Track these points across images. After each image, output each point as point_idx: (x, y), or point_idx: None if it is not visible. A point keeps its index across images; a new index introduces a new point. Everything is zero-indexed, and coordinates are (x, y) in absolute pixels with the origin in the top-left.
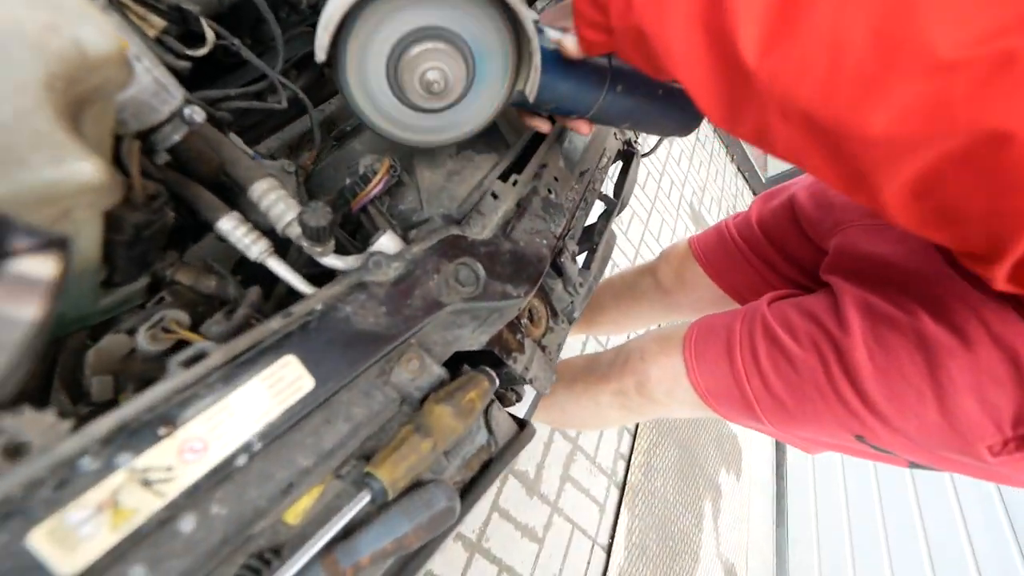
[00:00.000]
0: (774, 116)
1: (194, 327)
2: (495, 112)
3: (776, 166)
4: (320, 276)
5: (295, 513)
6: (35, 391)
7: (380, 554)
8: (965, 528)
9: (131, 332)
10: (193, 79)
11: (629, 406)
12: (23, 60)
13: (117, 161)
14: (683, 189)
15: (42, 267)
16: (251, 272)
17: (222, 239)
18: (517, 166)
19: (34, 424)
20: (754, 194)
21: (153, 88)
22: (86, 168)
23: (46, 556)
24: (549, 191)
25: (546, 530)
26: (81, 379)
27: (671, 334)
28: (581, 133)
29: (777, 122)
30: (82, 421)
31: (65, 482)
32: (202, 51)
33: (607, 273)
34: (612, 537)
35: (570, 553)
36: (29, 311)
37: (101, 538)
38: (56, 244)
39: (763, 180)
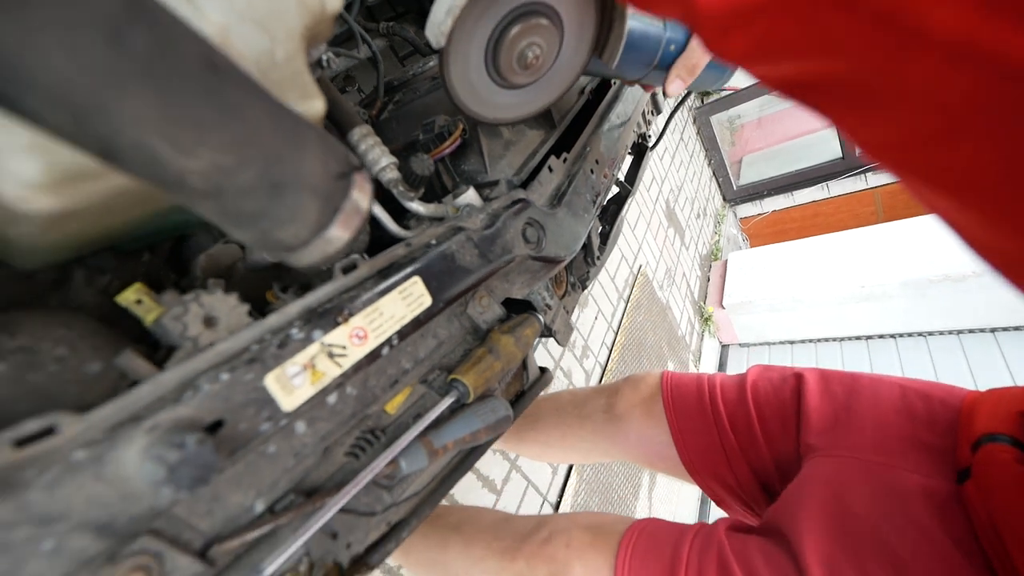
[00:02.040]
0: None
1: None
2: (573, 83)
3: (749, 175)
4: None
5: (393, 405)
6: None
7: (459, 443)
8: None
9: (241, 244)
10: None
11: None
12: (291, 12)
13: None
14: (662, 185)
15: (364, 199)
16: None
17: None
18: (563, 143)
19: (223, 303)
20: (724, 199)
21: None
22: (319, 105)
23: (275, 394)
24: (591, 170)
25: (504, 483)
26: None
27: (609, 527)
28: (670, 94)
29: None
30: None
31: (284, 344)
32: None
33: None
34: (560, 496)
35: (523, 506)
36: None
37: (304, 389)
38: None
39: (734, 187)
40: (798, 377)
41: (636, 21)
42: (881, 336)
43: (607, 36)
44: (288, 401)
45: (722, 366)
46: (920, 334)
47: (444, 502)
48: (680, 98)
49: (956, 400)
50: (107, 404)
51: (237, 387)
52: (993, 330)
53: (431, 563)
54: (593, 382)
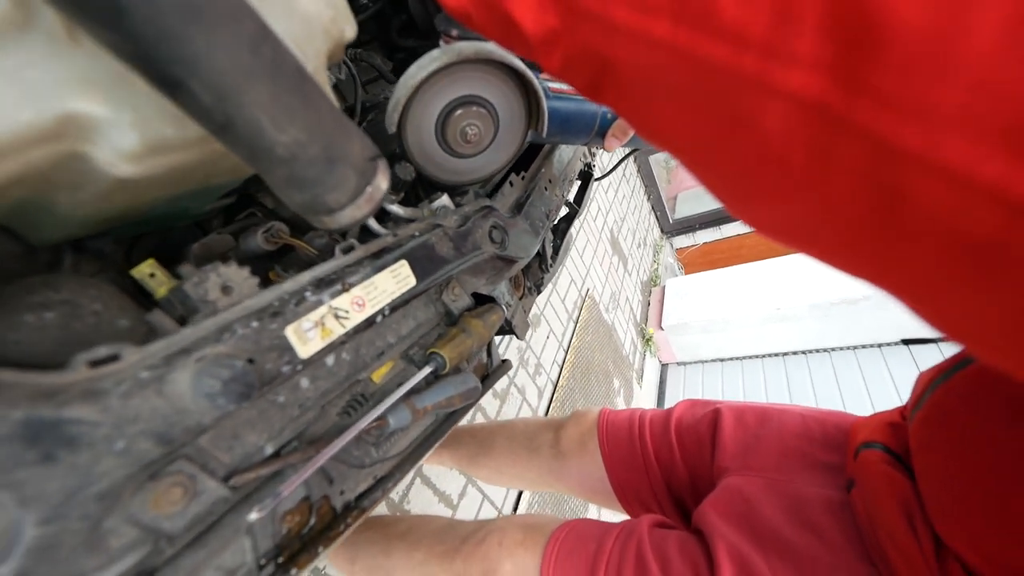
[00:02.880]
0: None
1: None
2: (516, 153)
3: (683, 210)
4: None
5: (378, 375)
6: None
7: (436, 406)
8: None
9: (234, 235)
10: None
11: None
12: (319, 37)
13: None
14: (607, 216)
15: (384, 178)
16: None
17: None
18: (522, 163)
19: (236, 274)
20: (663, 231)
21: None
22: None
23: (293, 343)
24: (545, 188)
25: (460, 498)
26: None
27: (541, 526)
28: (608, 150)
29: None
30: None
31: (300, 303)
32: None
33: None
34: (515, 508)
35: (479, 519)
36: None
37: (316, 342)
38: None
39: (671, 220)
40: (716, 412)
41: (573, 103)
42: (795, 353)
43: (538, 117)
44: (303, 350)
45: (662, 383)
46: (826, 350)
47: (397, 513)
48: (626, 152)
49: (847, 424)
50: (159, 340)
51: (264, 334)
52: (880, 345)
53: (375, 569)
54: (545, 398)
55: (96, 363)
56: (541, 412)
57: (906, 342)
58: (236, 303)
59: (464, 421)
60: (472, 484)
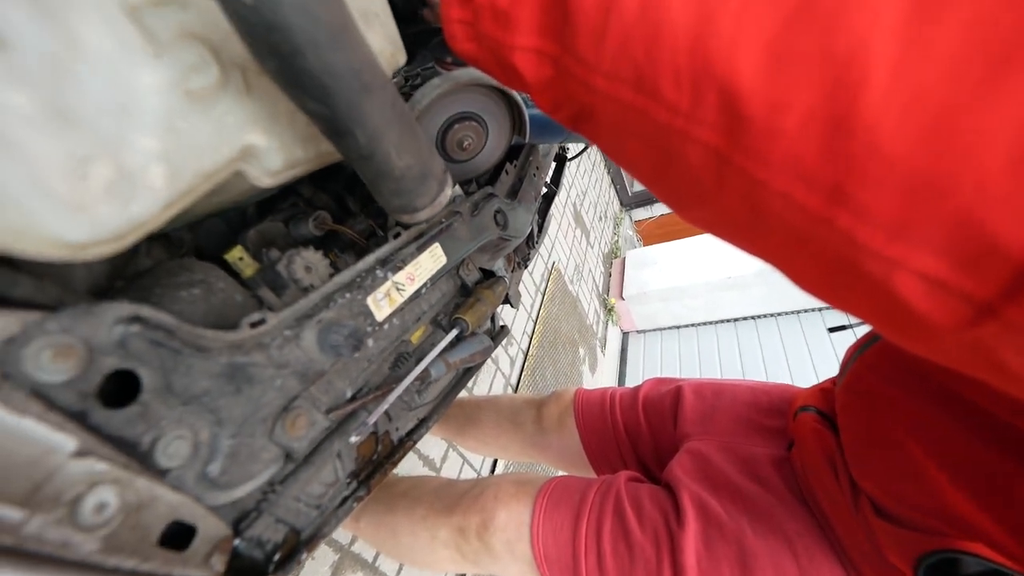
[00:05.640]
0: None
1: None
2: (501, 156)
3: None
4: None
5: (415, 337)
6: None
7: (463, 361)
8: None
9: (284, 222)
10: None
11: (463, 551)
12: (385, 69)
13: None
14: (569, 191)
15: (450, 190)
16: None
17: None
18: (512, 154)
19: (314, 256)
20: (622, 204)
21: None
22: None
23: (372, 310)
24: (533, 174)
25: (443, 462)
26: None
27: (530, 480)
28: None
29: None
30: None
31: (372, 280)
32: None
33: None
34: (492, 472)
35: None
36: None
37: (386, 309)
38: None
39: (629, 193)
40: (678, 388)
41: None
42: (744, 319)
43: (520, 125)
44: (379, 315)
45: (623, 351)
46: (772, 315)
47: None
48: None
49: (790, 394)
50: (286, 309)
51: (354, 303)
52: (820, 310)
53: (379, 525)
54: (516, 367)
55: (254, 325)
56: (513, 380)
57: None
58: (324, 280)
59: (448, 406)
60: (453, 449)
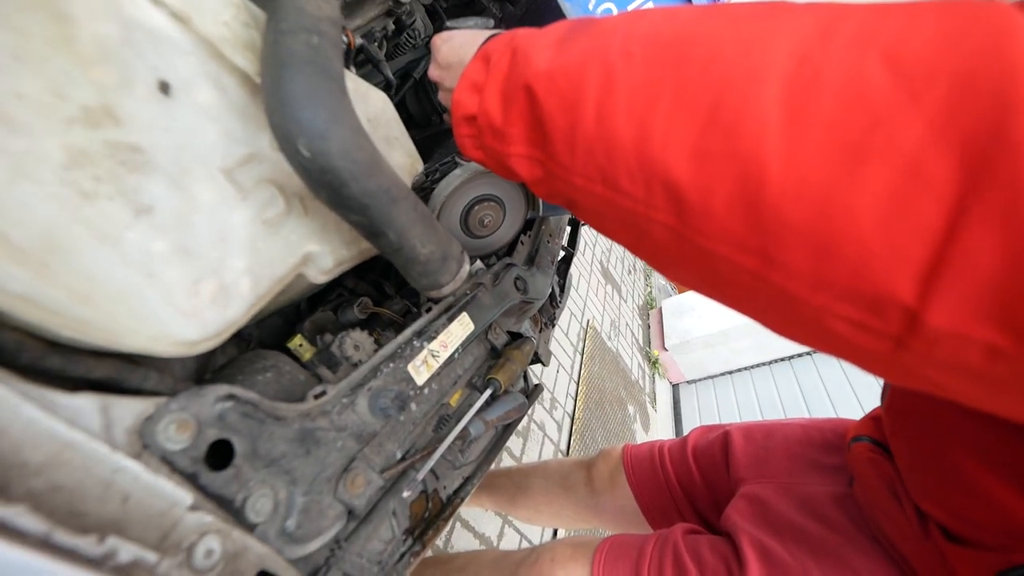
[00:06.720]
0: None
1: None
2: (518, 231)
3: None
4: None
5: (454, 400)
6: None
7: (499, 419)
8: None
9: (333, 310)
10: None
11: None
12: (406, 180)
13: None
14: (594, 249)
15: (468, 266)
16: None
17: None
18: (526, 225)
19: (361, 336)
20: None
21: None
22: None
23: (413, 375)
24: (547, 240)
25: (499, 539)
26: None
27: (586, 542)
28: None
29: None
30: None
31: (411, 350)
32: None
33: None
34: None
35: None
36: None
37: (424, 374)
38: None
39: None
40: (726, 433)
41: None
42: (800, 355)
43: (533, 201)
44: (419, 379)
45: (676, 403)
46: None
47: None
48: None
49: (843, 428)
50: (342, 381)
51: (397, 371)
52: None
53: None
54: (564, 431)
55: (317, 396)
56: (562, 445)
57: None
58: (370, 355)
59: (492, 465)
60: (508, 524)
